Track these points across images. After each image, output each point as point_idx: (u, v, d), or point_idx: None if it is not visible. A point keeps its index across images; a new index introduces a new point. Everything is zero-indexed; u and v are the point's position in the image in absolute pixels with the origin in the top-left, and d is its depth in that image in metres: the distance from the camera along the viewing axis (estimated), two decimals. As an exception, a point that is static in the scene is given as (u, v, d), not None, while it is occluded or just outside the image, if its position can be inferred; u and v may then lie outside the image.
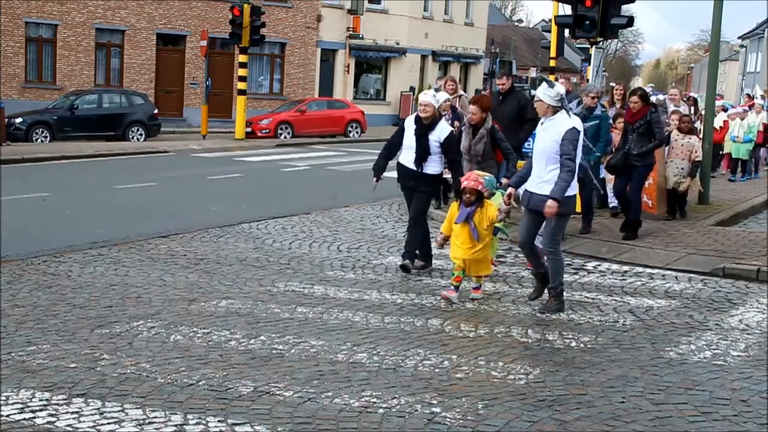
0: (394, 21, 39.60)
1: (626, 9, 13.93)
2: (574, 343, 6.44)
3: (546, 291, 7.43)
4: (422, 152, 8.46)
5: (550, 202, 6.89)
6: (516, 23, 76.81)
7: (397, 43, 39.80)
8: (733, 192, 16.06)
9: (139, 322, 6.60)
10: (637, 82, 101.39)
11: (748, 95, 21.57)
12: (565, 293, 7.98)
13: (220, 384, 5.31)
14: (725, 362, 6.10)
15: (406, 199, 8.95)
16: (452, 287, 7.65)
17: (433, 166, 8.60)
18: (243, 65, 27.23)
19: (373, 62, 40.28)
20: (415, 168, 8.55)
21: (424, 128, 8.45)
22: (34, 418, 4.71)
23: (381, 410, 4.97)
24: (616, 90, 14.34)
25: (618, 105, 13.69)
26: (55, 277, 8.08)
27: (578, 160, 7.08)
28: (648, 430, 4.84)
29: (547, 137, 7.07)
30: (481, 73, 47.47)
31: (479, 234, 7.53)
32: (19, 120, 24.50)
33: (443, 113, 11.61)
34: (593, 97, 10.73)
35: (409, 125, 8.60)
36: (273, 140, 27.79)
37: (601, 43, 13.22)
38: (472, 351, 6.16)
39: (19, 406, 4.86)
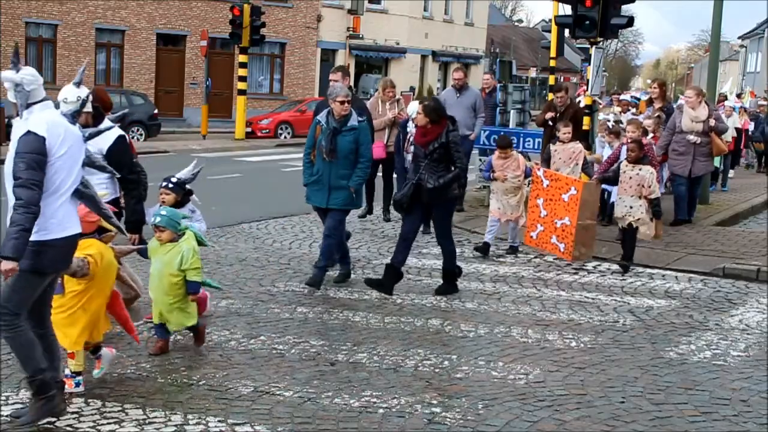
0: (394, 21, 39.60)
1: (626, 9, 13.89)
2: (574, 343, 6.44)
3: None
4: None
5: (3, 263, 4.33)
6: (516, 23, 76.82)
7: (397, 43, 39.81)
8: (733, 192, 16.06)
9: (140, 322, 6.59)
10: (638, 82, 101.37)
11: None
12: (563, 293, 7.99)
13: (220, 384, 5.32)
14: (725, 362, 6.10)
15: None
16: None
17: (100, 187, 5.87)
18: (243, 65, 27.21)
19: (373, 62, 40.27)
20: None
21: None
22: (34, 418, 4.71)
23: (381, 410, 4.97)
24: (652, 88, 12.96)
25: (656, 105, 12.40)
26: (55, 277, 8.06)
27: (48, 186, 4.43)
28: (648, 430, 4.85)
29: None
30: (481, 73, 47.46)
31: (62, 287, 5.03)
32: (19, 120, 24.48)
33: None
34: (341, 102, 7.81)
35: None
36: (273, 140, 27.78)
37: (601, 43, 13.17)
38: (472, 351, 6.16)
39: (19, 406, 4.85)
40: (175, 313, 5.88)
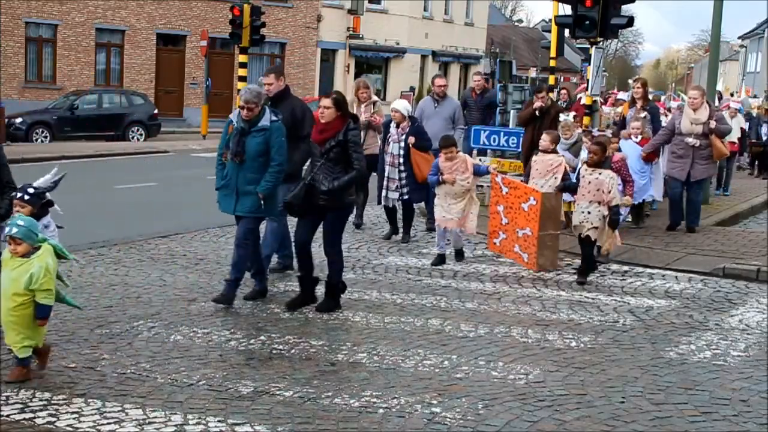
0: (394, 21, 39.61)
1: (626, 9, 13.92)
2: (574, 343, 6.44)
3: None
4: None
5: None
6: (516, 23, 76.76)
7: (397, 43, 39.82)
8: (733, 192, 16.06)
9: (139, 322, 6.60)
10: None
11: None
12: (563, 293, 7.99)
13: (220, 384, 5.32)
14: (725, 362, 6.10)
15: None
16: None
17: None
18: (243, 65, 27.17)
19: (373, 62, 40.29)
20: None
21: None
22: (35, 418, 4.72)
23: (381, 410, 4.97)
24: (635, 88, 12.48)
25: (638, 105, 12.03)
26: (55, 277, 8.06)
27: None
28: (648, 430, 4.85)
29: None
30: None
31: None
32: (19, 120, 24.48)
33: (397, 126, 9.88)
34: (241, 107, 7.16)
35: None
36: (273, 140, 27.79)
37: (601, 43, 13.18)
38: (472, 351, 6.16)
39: (20, 406, 4.86)
40: (11, 329, 5.15)
